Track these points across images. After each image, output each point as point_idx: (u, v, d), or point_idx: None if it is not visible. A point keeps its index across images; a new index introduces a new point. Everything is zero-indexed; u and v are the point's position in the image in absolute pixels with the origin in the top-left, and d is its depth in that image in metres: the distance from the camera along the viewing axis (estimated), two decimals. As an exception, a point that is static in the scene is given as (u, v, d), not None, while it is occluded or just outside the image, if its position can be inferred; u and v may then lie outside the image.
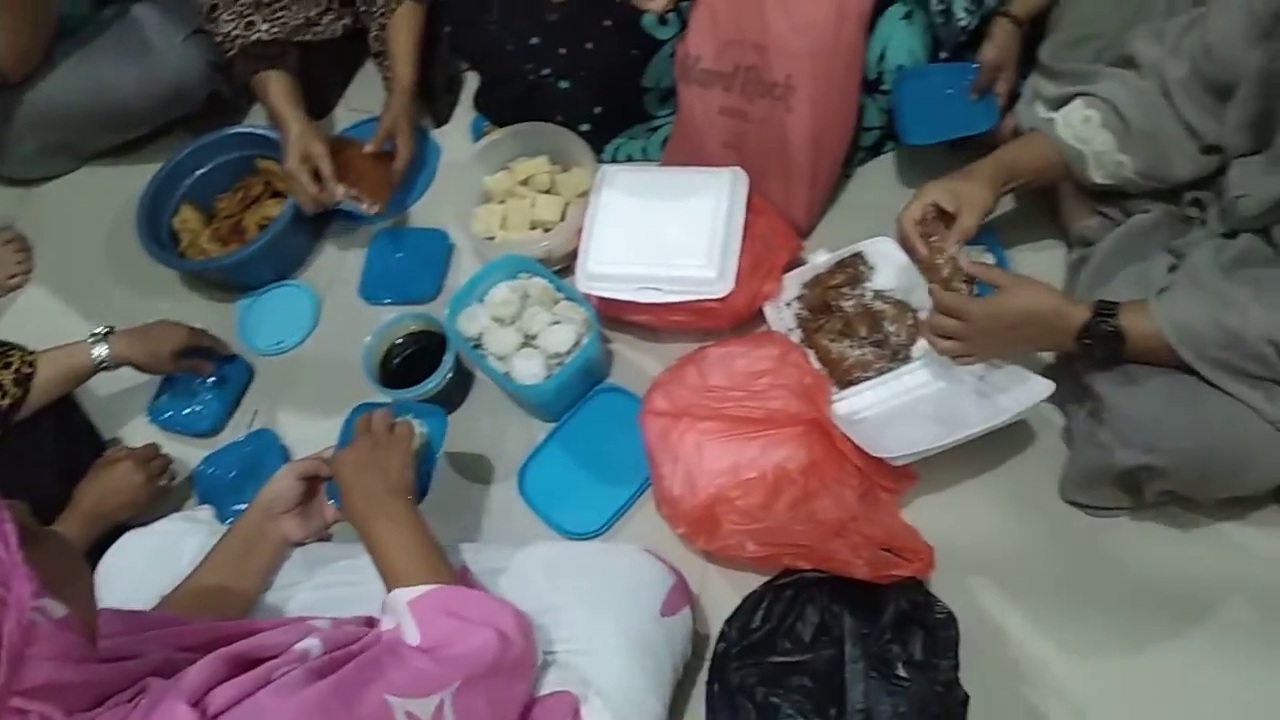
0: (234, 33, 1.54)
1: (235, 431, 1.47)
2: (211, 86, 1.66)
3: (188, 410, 1.47)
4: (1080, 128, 1.14)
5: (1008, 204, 1.40)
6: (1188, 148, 1.10)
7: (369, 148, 1.54)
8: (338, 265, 1.62)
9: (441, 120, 1.73)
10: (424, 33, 1.61)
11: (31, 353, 1.26)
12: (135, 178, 1.68)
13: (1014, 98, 1.36)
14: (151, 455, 1.34)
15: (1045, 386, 1.12)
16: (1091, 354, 1.04)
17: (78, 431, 1.42)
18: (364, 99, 1.75)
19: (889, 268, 1.32)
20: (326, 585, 1.03)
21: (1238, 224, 1.08)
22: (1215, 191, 1.12)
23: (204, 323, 1.46)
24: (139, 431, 1.48)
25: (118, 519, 1.26)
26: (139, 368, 1.35)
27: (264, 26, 1.55)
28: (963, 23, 1.37)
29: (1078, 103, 1.15)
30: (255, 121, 1.74)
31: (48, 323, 1.62)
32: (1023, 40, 1.35)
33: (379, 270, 1.58)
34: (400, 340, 1.42)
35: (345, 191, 1.49)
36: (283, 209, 1.54)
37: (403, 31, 1.58)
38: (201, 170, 1.63)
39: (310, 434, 1.40)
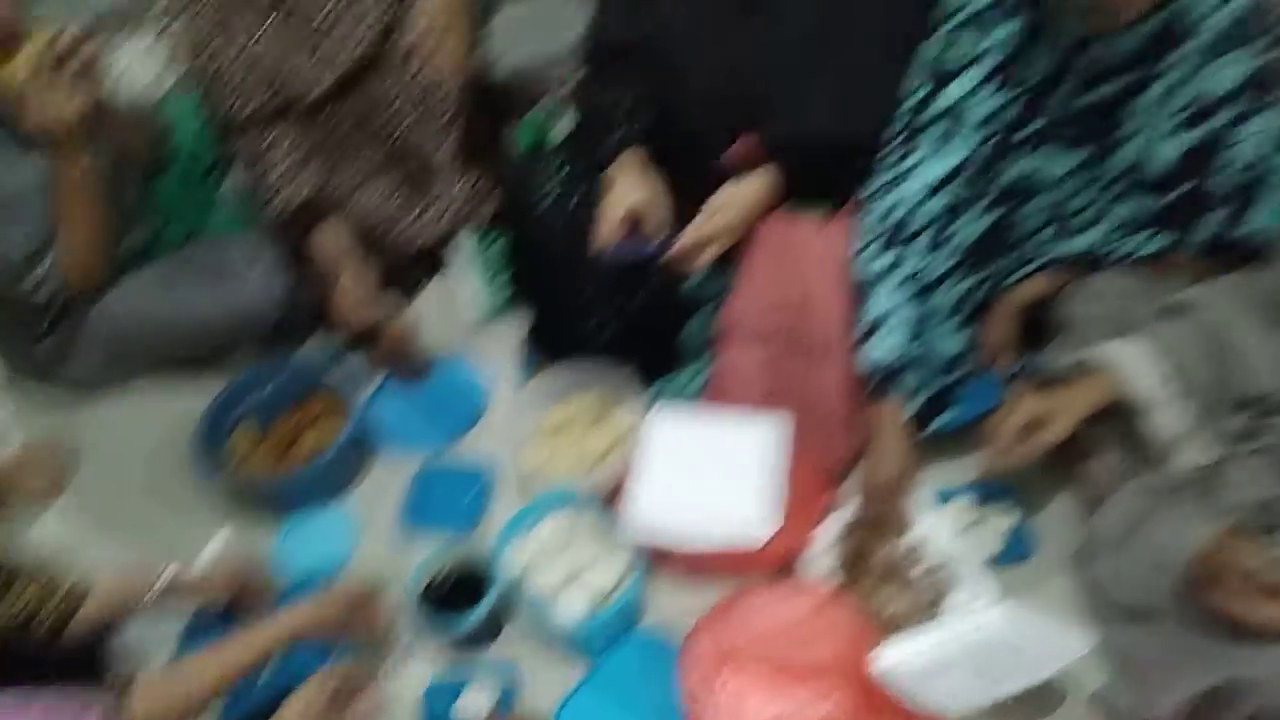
0: (286, 194, 1.70)
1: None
2: (281, 313, 1.75)
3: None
4: None
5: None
6: None
7: None
8: (382, 491, 1.66)
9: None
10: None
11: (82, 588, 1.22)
12: (188, 394, 1.75)
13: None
14: None
15: (1083, 642, 1.16)
16: None
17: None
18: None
19: (924, 520, 1.39)
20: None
21: None
22: None
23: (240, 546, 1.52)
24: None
25: None
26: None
27: (305, 191, 1.71)
28: None
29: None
30: (322, 347, 1.85)
31: (76, 536, 1.66)
32: (1020, 325, 1.49)
33: (422, 497, 1.62)
34: (443, 570, 1.44)
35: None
36: (338, 435, 1.60)
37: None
38: (264, 390, 1.70)
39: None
